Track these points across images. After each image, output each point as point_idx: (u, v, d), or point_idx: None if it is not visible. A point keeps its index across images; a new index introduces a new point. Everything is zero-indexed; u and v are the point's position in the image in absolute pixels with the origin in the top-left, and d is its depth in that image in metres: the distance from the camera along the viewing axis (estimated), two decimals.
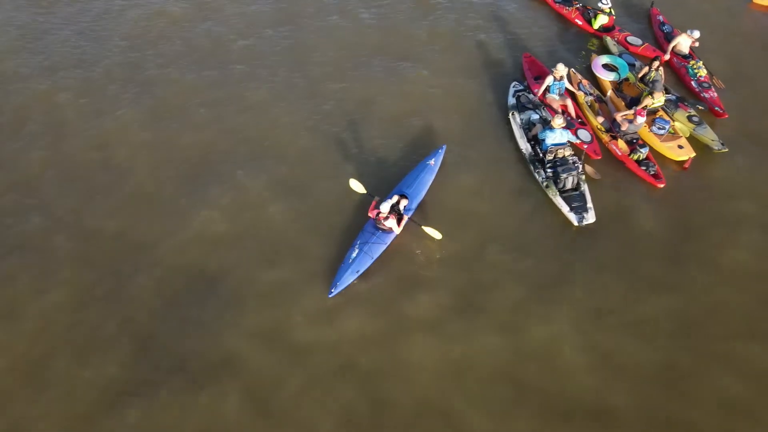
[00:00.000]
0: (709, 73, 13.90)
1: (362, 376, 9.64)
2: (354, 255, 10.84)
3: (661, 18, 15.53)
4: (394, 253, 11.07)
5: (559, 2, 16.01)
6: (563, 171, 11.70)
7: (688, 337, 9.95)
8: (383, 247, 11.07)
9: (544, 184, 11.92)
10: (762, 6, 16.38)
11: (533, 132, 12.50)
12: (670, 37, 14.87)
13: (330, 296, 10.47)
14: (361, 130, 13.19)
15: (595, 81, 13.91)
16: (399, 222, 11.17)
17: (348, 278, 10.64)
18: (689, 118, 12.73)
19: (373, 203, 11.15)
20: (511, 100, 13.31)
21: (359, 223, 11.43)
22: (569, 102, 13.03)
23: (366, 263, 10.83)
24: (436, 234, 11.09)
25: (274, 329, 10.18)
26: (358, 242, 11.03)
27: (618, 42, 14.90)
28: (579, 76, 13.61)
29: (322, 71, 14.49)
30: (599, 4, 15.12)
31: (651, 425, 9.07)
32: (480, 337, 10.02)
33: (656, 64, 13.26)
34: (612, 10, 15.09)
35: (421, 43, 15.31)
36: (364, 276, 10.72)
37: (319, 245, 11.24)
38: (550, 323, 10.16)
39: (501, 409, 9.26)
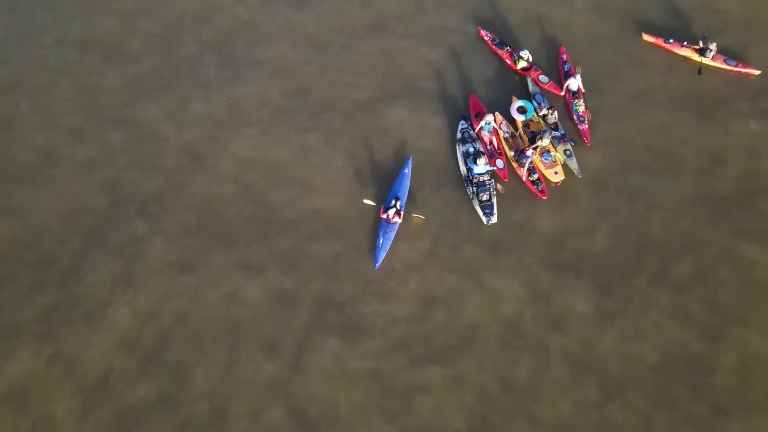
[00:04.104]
0: (586, 107, 21.45)
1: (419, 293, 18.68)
2: (380, 242, 19.12)
3: (564, 56, 22.70)
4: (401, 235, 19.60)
5: (496, 44, 23.11)
6: (481, 190, 19.72)
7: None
8: (394, 233, 19.30)
9: (471, 196, 20.07)
10: (650, 42, 23.24)
11: (467, 162, 20.40)
12: (568, 75, 22.18)
13: (375, 268, 18.93)
14: (353, 160, 21.12)
15: (512, 119, 21.54)
16: (399, 215, 19.36)
17: (382, 256, 18.96)
18: (564, 151, 20.45)
19: (381, 209, 19.40)
20: (458, 135, 21.06)
21: (376, 221, 19.75)
22: (494, 138, 20.82)
23: (388, 244, 19.11)
24: (421, 216, 19.61)
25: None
26: (380, 233, 19.25)
27: (533, 80, 22.26)
28: (500, 117, 21.25)
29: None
30: (520, 53, 22.31)
31: None
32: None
33: (551, 109, 20.90)
34: (530, 58, 22.31)
35: (391, 81, 22.80)
36: (390, 251, 19.09)
37: (357, 241, 19.57)
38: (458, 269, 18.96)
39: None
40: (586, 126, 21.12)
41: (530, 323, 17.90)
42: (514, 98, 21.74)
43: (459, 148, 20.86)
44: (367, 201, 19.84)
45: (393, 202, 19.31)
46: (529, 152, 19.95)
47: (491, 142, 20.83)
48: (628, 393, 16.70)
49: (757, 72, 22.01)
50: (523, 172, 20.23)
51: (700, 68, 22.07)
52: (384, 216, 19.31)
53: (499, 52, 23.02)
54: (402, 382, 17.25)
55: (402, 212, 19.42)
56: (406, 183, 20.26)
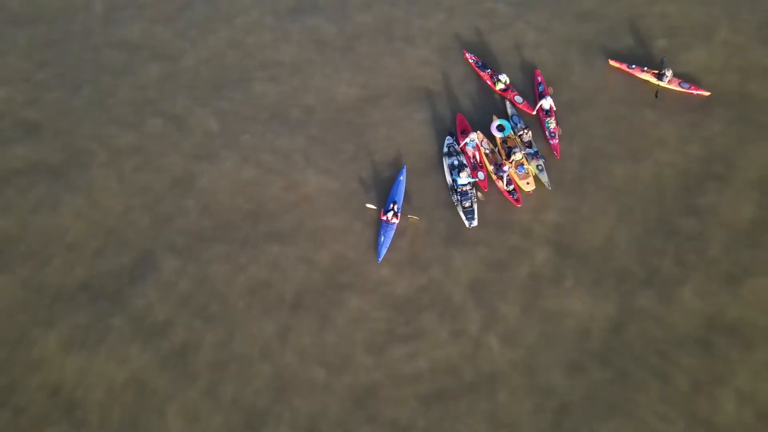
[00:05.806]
0: (557, 123, 24.51)
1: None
2: (381, 239, 22.41)
3: (539, 78, 25.76)
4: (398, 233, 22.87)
5: (479, 66, 26.14)
6: (464, 199, 22.90)
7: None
8: (393, 232, 22.61)
9: (456, 203, 23.19)
10: (616, 67, 26.29)
11: (453, 174, 23.48)
12: (542, 95, 25.23)
13: (378, 262, 22.19)
14: (356, 170, 24.32)
15: (492, 136, 24.63)
16: (397, 216, 22.54)
17: (383, 251, 22.26)
18: (537, 166, 23.56)
19: (382, 212, 22.56)
20: (445, 149, 24.21)
21: (377, 222, 22.97)
22: (477, 152, 23.90)
23: (388, 242, 22.39)
24: (415, 217, 22.80)
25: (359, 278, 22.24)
26: (381, 232, 22.57)
27: (510, 101, 25.32)
28: (482, 135, 24.37)
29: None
30: (499, 77, 25.39)
31: None
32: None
33: (526, 130, 24.00)
34: (507, 80, 25.40)
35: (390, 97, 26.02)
36: (389, 248, 22.34)
37: (362, 239, 22.83)
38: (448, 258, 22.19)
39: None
40: (557, 141, 24.23)
41: None
42: (494, 117, 24.78)
43: (445, 161, 23.96)
44: (369, 205, 22.92)
45: (391, 205, 22.54)
46: (506, 167, 23.08)
47: (474, 156, 23.90)
48: None
49: (707, 93, 25.16)
50: (500, 182, 23.36)
51: (657, 92, 25.18)
52: (384, 217, 22.47)
53: (481, 73, 26.07)
54: None
55: (399, 214, 22.61)
56: (402, 189, 23.48)
